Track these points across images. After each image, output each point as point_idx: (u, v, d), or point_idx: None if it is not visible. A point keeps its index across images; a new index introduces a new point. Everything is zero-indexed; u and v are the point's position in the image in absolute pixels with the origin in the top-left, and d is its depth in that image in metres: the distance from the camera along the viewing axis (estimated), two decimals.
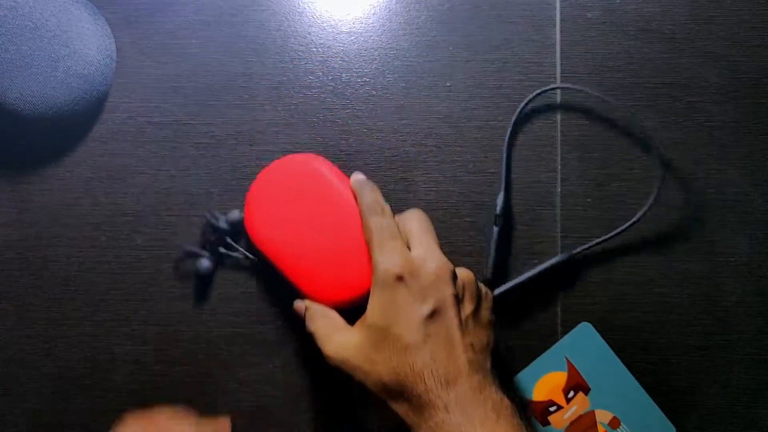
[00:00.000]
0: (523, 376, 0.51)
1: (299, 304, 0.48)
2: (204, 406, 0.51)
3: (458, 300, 0.43)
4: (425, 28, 0.53)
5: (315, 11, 0.53)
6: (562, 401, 0.50)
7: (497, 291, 0.50)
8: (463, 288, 0.44)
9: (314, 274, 0.47)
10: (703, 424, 0.51)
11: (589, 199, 0.52)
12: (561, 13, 0.53)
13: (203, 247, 0.51)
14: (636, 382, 0.50)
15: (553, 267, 0.50)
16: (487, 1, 0.53)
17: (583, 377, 0.50)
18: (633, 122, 0.52)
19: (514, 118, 0.51)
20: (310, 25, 0.53)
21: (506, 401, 0.42)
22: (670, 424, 0.50)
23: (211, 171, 0.52)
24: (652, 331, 0.51)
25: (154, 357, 0.52)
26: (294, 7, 0.53)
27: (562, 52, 0.53)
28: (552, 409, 0.50)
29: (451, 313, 0.43)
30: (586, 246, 0.50)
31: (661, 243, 0.52)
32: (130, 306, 0.52)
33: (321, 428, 0.51)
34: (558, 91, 0.52)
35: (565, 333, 0.51)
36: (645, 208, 0.50)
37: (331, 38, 0.53)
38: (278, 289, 0.51)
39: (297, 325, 0.51)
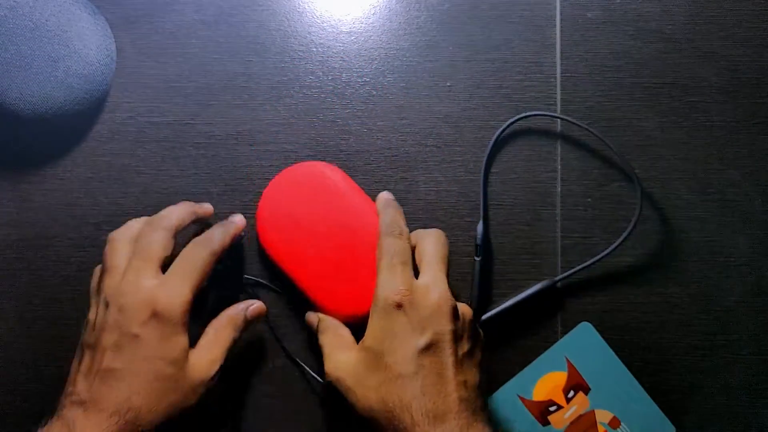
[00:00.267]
0: (523, 376, 0.51)
1: (312, 317, 0.48)
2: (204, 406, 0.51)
3: (456, 336, 0.43)
4: (425, 28, 0.53)
5: (315, 11, 0.53)
6: (562, 401, 0.50)
7: (483, 317, 0.50)
8: (462, 325, 0.44)
9: (327, 286, 0.47)
10: (703, 424, 0.51)
11: (589, 199, 0.52)
12: (561, 13, 0.53)
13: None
14: (636, 382, 0.50)
15: (537, 292, 0.50)
16: (487, 1, 0.53)
17: (583, 377, 0.50)
18: (630, 125, 0.52)
19: (490, 146, 0.51)
20: (310, 25, 0.53)
21: None
22: (670, 424, 0.50)
23: (211, 171, 0.52)
24: (652, 331, 0.51)
25: None
26: (294, 7, 0.53)
27: (562, 52, 0.53)
28: (552, 409, 0.50)
29: (448, 349, 0.42)
30: (568, 272, 0.50)
31: (661, 243, 0.52)
32: None
33: (321, 428, 0.51)
34: (558, 92, 0.52)
35: (565, 333, 0.51)
36: (621, 239, 0.50)
37: (331, 38, 0.53)
38: (278, 291, 0.51)
39: (297, 324, 0.51)
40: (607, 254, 0.50)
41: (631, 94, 0.52)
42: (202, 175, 0.52)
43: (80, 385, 0.42)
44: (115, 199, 0.52)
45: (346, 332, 0.47)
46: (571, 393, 0.50)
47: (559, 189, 0.52)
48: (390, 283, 0.43)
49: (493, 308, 0.50)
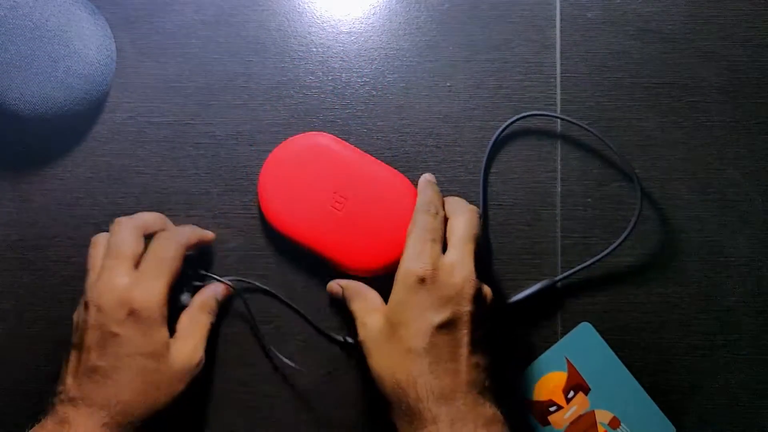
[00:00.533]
0: (523, 376, 0.51)
1: (335, 287, 0.49)
2: (204, 406, 0.51)
3: (474, 318, 0.43)
4: (425, 28, 0.53)
5: (315, 11, 0.53)
6: (562, 401, 0.50)
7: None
8: (483, 308, 0.44)
9: (343, 243, 0.48)
10: (703, 424, 0.51)
11: (589, 199, 0.52)
12: (561, 13, 0.53)
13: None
14: (636, 382, 0.50)
15: (537, 292, 0.50)
16: (487, 1, 0.53)
17: (583, 377, 0.50)
18: (630, 125, 0.52)
19: (489, 146, 0.52)
20: (310, 25, 0.53)
21: (499, 415, 0.42)
22: (670, 424, 0.50)
23: (211, 171, 0.52)
24: (652, 331, 0.51)
25: None
26: (294, 7, 0.53)
27: (562, 52, 0.53)
28: (552, 409, 0.50)
29: (464, 329, 0.42)
30: (568, 272, 0.50)
31: (661, 243, 0.52)
32: None
33: (321, 429, 0.51)
34: (558, 92, 0.52)
35: (565, 333, 0.51)
36: (621, 239, 0.50)
37: (331, 38, 0.53)
38: (278, 290, 0.51)
39: (297, 325, 0.51)
40: (607, 254, 0.50)
41: (631, 94, 0.52)
42: (202, 175, 0.52)
43: (69, 383, 0.43)
44: (115, 199, 0.52)
45: (373, 295, 0.47)
46: (571, 393, 0.50)
47: (559, 189, 0.52)
48: (417, 257, 0.43)
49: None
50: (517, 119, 0.51)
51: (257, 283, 0.51)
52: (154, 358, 0.43)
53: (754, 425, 0.51)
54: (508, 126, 0.52)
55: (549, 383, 0.50)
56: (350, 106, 0.53)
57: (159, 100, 0.53)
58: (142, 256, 0.45)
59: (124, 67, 0.53)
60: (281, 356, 0.50)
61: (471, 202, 0.52)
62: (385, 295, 0.46)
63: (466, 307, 0.42)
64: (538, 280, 0.51)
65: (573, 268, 0.51)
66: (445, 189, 0.52)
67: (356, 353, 0.46)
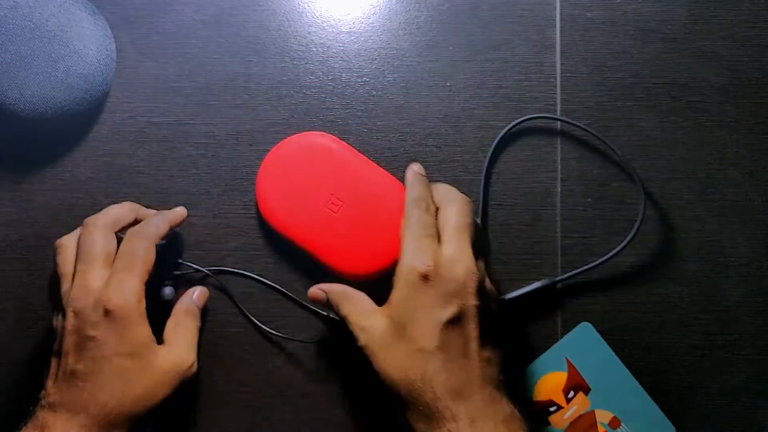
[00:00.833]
0: (523, 376, 0.51)
1: (317, 292, 0.47)
2: (204, 406, 0.51)
3: (481, 312, 0.42)
4: (425, 28, 0.53)
5: (315, 11, 0.53)
6: (562, 401, 0.50)
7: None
8: (488, 300, 0.44)
9: (338, 247, 0.48)
10: (703, 424, 0.51)
11: (589, 199, 0.52)
12: (561, 13, 0.53)
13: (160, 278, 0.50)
14: (636, 382, 0.50)
15: (536, 290, 0.50)
16: (487, 1, 0.53)
17: (583, 377, 0.50)
18: (630, 125, 0.52)
19: (491, 149, 0.51)
20: (310, 25, 0.53)
21: (517, 414, 0.41)
22: (670, 424, 0.50)
23: (211, 171, 0.52)
24: (652, 331, 0.51)
25: None
26: (294, 7, 0.53)
27: (562, 52, 0.53)
28: (552, 409, 0.50)
29: (472, 323, 0.42)
30: (568, 274, 0.50)
31: (661, 243, 0.52)
32: None
33: (321, 429, 0.51)
34: (558, 92, 0.52)
35: (565, 333, 0.51)
36: (623, 244, 0.50)
37: (331, 38, 0.53)
38: (278, 289, 0.51)
39: (297, 324, 0.51)
40: (610, 257, 0.50)
41: (631, 94, 0.52)
42: (202, 175, 0.52)
43: (49, 389, 0.43)
44: (115, 199, 0.52)
45: (362, 297, 0.46)
46: (571, 393, 0.50)
47: (559, 189, 0.52)
48: (416, 254, 0.43)
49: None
50: (521, 121, 0.51)
51: (236, 270, 0.51)
52: (134, 358, 0.43)
53: (754, 425, 0.51)
54: (510, 129, 0.52)
55: (549, 383, 0.50)
56: (350, 106, 0.53)
57: (159, 100, 0.53)
58: (115, 254, 0.45)
59: (124, 67, 0.53)
60: (268, 328, 0.50)
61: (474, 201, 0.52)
62: (377, 298, 0.45)
63: (472, 301, 0.42)
64: (538, 280, 0.51)
65: (573, 268, 0.51)
66: None
67: (345, 332, 0.45)
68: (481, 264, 0.45)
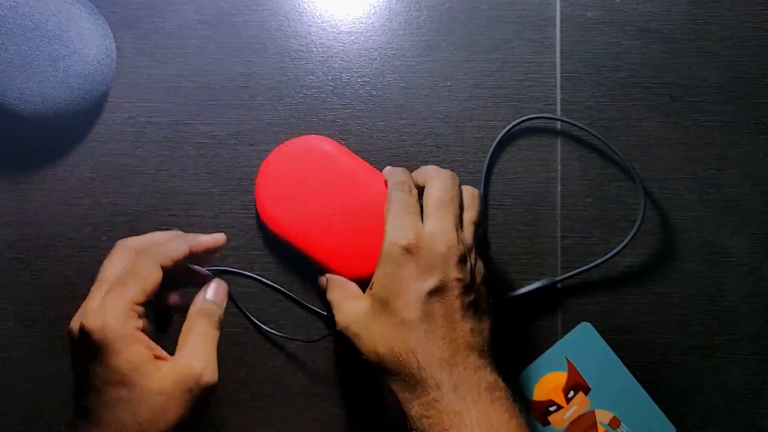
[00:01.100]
0: (523, 376, 0.51)
1: (321, 280, 0.49)
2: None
3: (463, 284, 0.42)
4: (425, 28, 0.53)
5: (315, 11, 0.53)
6: (562, 401, 0.50)
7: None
8: (471, 274, 0.43)
9: (337, 249, 0.49)
10: (703, 424, 0.51)
11: (589, 199, 0.52)
12: (561, 13, 0.53)
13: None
14: (636, 382, 0.50)
15: (536, 290, 0.50)
16: (487, 1, 0.53)
17: (583, 377, 0.50)
18: (630, 125, 0.52)
19: (492, 149, 0.52)
20: (310, 25, 0.53)
21: (500, 383, 0.42)
22: (670, 424, 0.50)
23: (211, 171, 0.52)
24: (652, 331, 0.51)
25: None
26: (294, 7, 0.53)
27: (562, 52, 0.53)
28: (552, 409, 0.50)
29: (453, 293, 0.42)
30: (568, 274, 0.50)
31: (661, 243, 0.52)
32: None
33: (321, 428, 0.51)
34: (558, 92, 0.52)
35: (565, 333, 0.51)
36: (623, 244, 0.50)
37: (331, 38, 0.53)
38: (278, 289, 0.51)
39: (297, 324, 0.51)
40: (610, 257, 0.50)
41: (631, 94, 0.52)
42: (202, 175, 0.52)
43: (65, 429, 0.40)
44: (115, 199, 0.52)
45: (352, 285, 0.48)
46: (571, 393, 0.50)
47: (559, 189, 0.52)
48: (397, 230, 0.43)
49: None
50: (521, 122, 0.51)
51: (236, 270, 0.51)
52: (126, 386, 0.37)
53: (753, 425, 0.51)
54: (510, 129, 0.52)
55: (549, 383, 0.50)
56: (350, 106, 0.53)
57: (159, 100, 0.53)
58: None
59: (124, 67, 0.53)
60: (268, 328, 0.51)
61: None
62: None
63: (453, 273, 0.42)
64: (538, 280, 0.51)
65: (573, 268, 0.51)
66: None
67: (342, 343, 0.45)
68: (467, 236, 0.45)
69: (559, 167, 0.52)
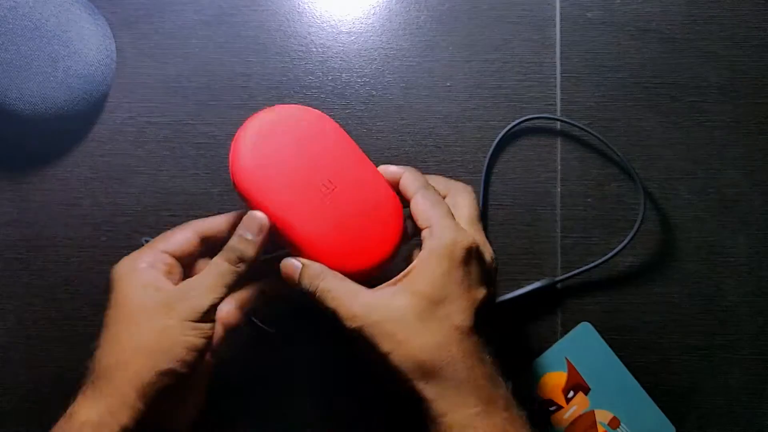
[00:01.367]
0: (523, 376, 0.51)
1: (289, 268, 0.41)
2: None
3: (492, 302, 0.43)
4: (425, 28, 0.53)
5: (315, 11, 0.53)
6: (562, 401, 0.50)
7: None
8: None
9: (328, 240, 0.42)
10: (703, 424, 0.51)
11: (589, 199, 0.52)
12: (561, 13, 0.53)
13: None
14: (636, 382, 0.50)
15: (536, 290, 0.50)
16: (487, 1, 0.53)
17: (583, 377, 0.50)
18: (630, 125, 0.52)
19: (492, 148, 0.52)
20: (310, 25, 0.53)
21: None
22: (670, 424, 0.50)
23: (211, 171, 0.52)
24: (652, 331, 0.51)
25: None
26: (294, 7, 0.53)
27: (562, 52, 0.53)
28: (552, 409, 0.50)
29: (488, 308, 0.41)
30: (568, 274, 0.50)
31: (661, 243, 0.52)
32: None
33: (321, 427, 0.51)
34: (558, 92, 0.52)
35: (565, 333, 0.51)
36: (623, 243, 0.50)
37: (331, 38, 0.53)
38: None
39: (297, 323, 0.51)
40: (610, 257, 0.50)
41: (631, 94, 0.52)
42: (202, 175, 0.52)
43: None
44: (115, 199, 0.52)
45: (343, 276, 0.42)
46: (571, 393, 0.50)
47: (559, 189, 0.52)
48: (457, 230, 0.40)
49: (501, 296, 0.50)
50: (521, 122, 0.51)
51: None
52: (124, 319, 0.40)
53: (753, 425, 0.51)
54: (510, 129, 0.52)
55: (549, 383, 0.50)
56: (350, 106, 0.53)
57: (159, 100, 0.53)
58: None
59: (124, 67, 0.53)
60: (266, 327, 0.48)
61: None
62: None
63: (491, 288, 0.42)
64: (538, 280, 0.51)
65: (573, 268, 0.51)
66: None
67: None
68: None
69: (559, 167, 0.52)
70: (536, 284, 0.50)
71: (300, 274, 0.41)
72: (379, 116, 0.53)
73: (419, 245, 0.42)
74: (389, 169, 0.45)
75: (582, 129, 0.51)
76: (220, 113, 0.53)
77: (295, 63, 0.53)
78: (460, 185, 0.45)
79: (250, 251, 0.41)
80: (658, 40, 0.53)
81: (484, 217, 0.52)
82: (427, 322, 0.39)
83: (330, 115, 0.52)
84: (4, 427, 0.51)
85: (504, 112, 0.52)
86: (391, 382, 0.39)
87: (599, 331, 0.51)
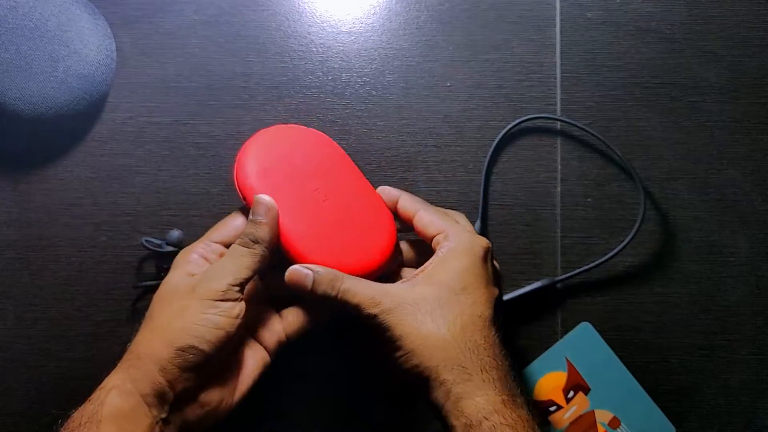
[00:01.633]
0: (523, 376, 0.51)
1: (299, 275, 0.42)
2: None
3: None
4: (425, 28, 0.53)
5: (315, 11, 0.53)
6: (562, 401, 0.50)
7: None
8: None
9: (325, 249, 0.43)
10: (703, 424, 0.51)
11: (589, 199, 0.52)
12: (561, 13, 0.53)
13: (158, 275, 0.51)
14: (636, 382, 0.50)
15: (536, 290, 0.50)
16: (487, 1, 0.53)
17: (583, 377, 0.50)
18: (630, 125, 0.52)
19: (492, 148, 0.52)
20: (310, 25, 0.53)
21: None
22: (670, 424, 0.50)
23: (211, 171, 0.52)
24: (652, 331, 0.51)
25: None
26: (294, 7, 0.53)
27: (562, 52, 0.53)
28: (552, 409, 0.50)
29: (500, 308, 0.44)
30: (568, 274, 0.51)
31: (661, 243, 0.52)
32: (130, 306, 0.52)
33: (322, 426, 0.51)
34: (558, 92, 0.52)
35: (565, 333, 0.51)
36: (624, 243, 0.50)
37: (331, 38, 0.53)
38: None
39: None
40: (610, 257, 0.50)
41: (631, 94, 0.52)
42: (202, 175, 0.52)
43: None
44: (115, 199, 0.52)
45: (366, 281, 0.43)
46: (571, 393, 0.50)
47: (559, 189, 0.52)
48: (473, 234, 0.45)
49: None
50: (521, 122, 0.51)
51: None
52: (161, 300, 0.43)
53: (753, 425, 0.51)
54: (510, 129, 0.52)
55: (549, 383, 0.50)
56: (350, 106, 0.53)
57: (159, 100, 0.53)
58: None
59: (124, 67, 0.53)
60: None
61: (471, 202, 0.52)
62: None
63: (500, 292, 0.45)
64: (538, 280, 0.51)
65: (573, 268, 0.51)
66: (445, 189, 0.52)
67: (350, 323, 0.42)
68: None
69: (559, 167, 0.52)
70: (536, 284, 0.50)
71: (314, 281, 0.42)
72: (379, 116, 0.53)
73: (422, 254, 0.46)
74: (387, 190, 0.47)
75: (582, 129, 0.51)
76: (220, 113, 0.53)
77: (295, 63, 0.53)
78: (453, 211, 0.48)
79: (260, 231, 0.43)
80: (658, 40, 0.53)
81: (484, 217, 0.52)
82: (451, 306, 0.41)
83: (330, 115, 0.53)
84: (5, 427, 0.51)
85: (504, 112, 0.52)
86: (404, 373, 0.40)
87: (599, 331, 0.51)
